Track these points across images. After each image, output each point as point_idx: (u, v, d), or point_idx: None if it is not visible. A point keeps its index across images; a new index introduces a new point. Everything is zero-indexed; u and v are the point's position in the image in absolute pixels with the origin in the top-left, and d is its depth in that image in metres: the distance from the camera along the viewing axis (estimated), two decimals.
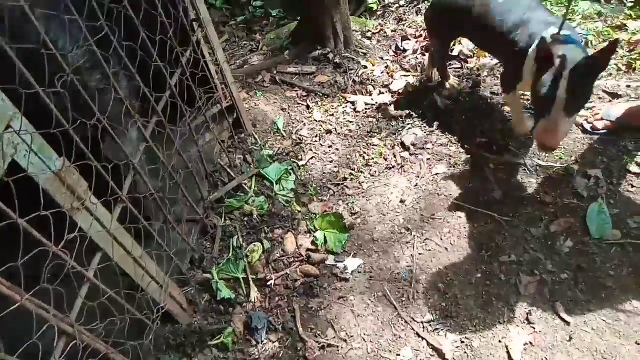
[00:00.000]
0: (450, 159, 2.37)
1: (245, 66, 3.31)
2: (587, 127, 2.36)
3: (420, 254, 2.01)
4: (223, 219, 2.18)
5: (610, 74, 2.71)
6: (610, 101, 2.50)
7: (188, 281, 1.90)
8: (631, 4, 3.17)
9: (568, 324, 1.70)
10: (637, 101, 2.42)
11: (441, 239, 2.05)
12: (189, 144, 2.11)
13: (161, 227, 1.75)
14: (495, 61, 2.95)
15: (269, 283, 1.96)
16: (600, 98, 2.52)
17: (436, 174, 2.31)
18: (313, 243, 2.11)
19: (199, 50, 1.99)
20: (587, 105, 2.51)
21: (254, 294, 1.93)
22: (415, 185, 2.29)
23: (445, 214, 2.14)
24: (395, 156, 2.45)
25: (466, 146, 2.42)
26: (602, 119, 2.34)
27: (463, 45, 3.12)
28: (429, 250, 2.02)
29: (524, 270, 1.88)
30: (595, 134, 2.34)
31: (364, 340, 1.79)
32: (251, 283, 1.96)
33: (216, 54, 2.14)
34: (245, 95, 2.97)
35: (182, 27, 1.87)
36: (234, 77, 2.43)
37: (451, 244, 2.03)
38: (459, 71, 2.96)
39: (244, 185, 2.32)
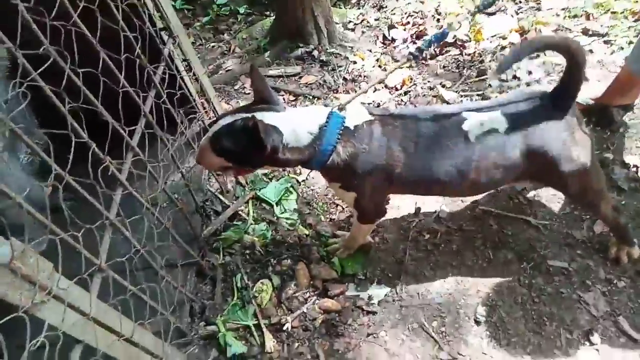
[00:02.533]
0: None
1: (220, 72, 2.98)
2: None
3: (453, 273, 1.77)
4: (221, 255, 1.88)
5: (622, 48, 2.51)
6: None
7: (190, 339, 1.61)
8: None
9: (635, 341, 1.49)
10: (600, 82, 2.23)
11: (474, 253, 1.81)
12: (167, 167, 1.81)
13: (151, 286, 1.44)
14: (496, 44, 2.73)
15: (285, 327, 1.68)
16: None
17: None
18: (328, 271, 1.84)
19: (173, 65, 1.67)
20: None
21: (270, 342, 1.65)
22: None
23: (474, 223, 1.90)
24: None
25: None
26: None
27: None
28: (464, 267, 1.78)
29: (574, 281, 1.66)
30: None
31: None
32: (265, 330, 1.67)
33: (193, 66, 1.83)
34: (225, 105, 2.66)
35: (149, 40, 1.55)
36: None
37: (487, 257, 1.79)
38: (457, 59, 2.71)
39: (239, 212, 2.02)
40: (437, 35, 1.47)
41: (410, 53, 1.51)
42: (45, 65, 0.99)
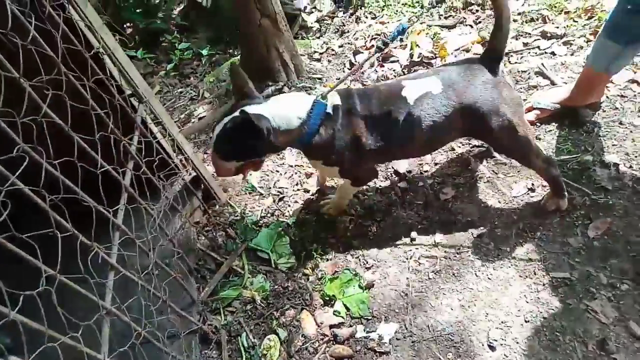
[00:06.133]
0: (453, 179, 2.13)
1: (193, 120, 2.94)
2: None
3: (459, 299, 1.75)
4: (222, 316, 1.82)
5: (581, 47, 2.59)
6: None
7: None
8: None
9: None
10: (566, 85, 2.30)
11: (476, 275, 1.80)
12: (156, 238, 1.75)
13: None
14: (460, 58, 2.77)
15: None
16: None
17: (445, 200, 2.06)
18: (334, 315, 1.80)
19: (147, 130, 1.63)
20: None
21: None
22: (426, 218, 2.03)
23: (470, 243, 1.90)
24: (393, 188, 2.18)
25: (463, 156, 2.21)
26: (532, 109, 2.22)
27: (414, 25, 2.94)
28: (467, 291, 1.77)
29: (578, 291, 1.67)
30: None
31: None
32: None
33: (167, 128, 1.79)
34: (202, 155, 2.62)
35: (120, 110, 1.50)
36: (185, 137, 2.07)
37: (489, 277, 1.78)
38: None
39: (234, 267, 1.96)
40: (398, 29, 1.62)
41: (377, 47, 1.64)
42: (24, 165, 0.94)
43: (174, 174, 1.81)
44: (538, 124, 2.22)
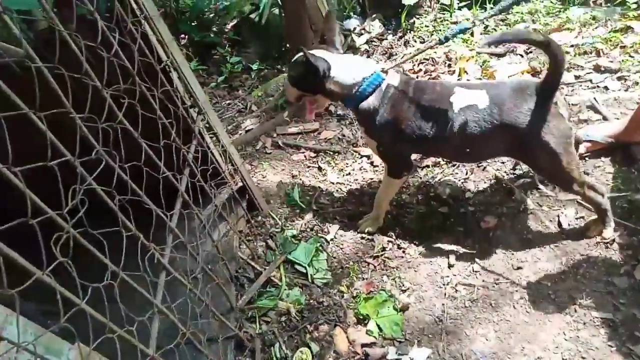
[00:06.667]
0: (496, 208, 2.12)
1: (240, 132, 3.05)
2: None
3: (495, 330, 1.73)
4: (257, 324, 1.87)
5: (637, 83, 2.53)
6: None
7: None
8: (635, 5, 3.03)
9: None
10: (620, 119, 2.23)
11: (514, 307, 1.78)
12: (204, 244, 1.82)
13: None
14: None
15: None
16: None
17: (486, 228, 2.05)
18: (367, 335, 1.82)
19: (203, 141, 1.72)
20: None
21: None
22: (466, 245, 2.02)
23: (510, 274, 1.88)
24: (434, 213, 2.19)
25: (507, 186, 2.19)
26: (582, 141, 2.16)
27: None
28: (504, 322, 1.75)
29: (622, 333, 1.62)
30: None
31: None
32: None
33: (220, 138, 1.88)
34: (247, 166, 2.71)
35: (182, 119, 1.60)
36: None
37: (527, 311, 1.76)
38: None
39: (272, 278, 2.02)
40: (460, 28, 1.70)
41: (439, 39, 1.75)
42: (100, 168, 1.03)
43: (223, 183, 1.89)
44: (587, 158, 2.18)
